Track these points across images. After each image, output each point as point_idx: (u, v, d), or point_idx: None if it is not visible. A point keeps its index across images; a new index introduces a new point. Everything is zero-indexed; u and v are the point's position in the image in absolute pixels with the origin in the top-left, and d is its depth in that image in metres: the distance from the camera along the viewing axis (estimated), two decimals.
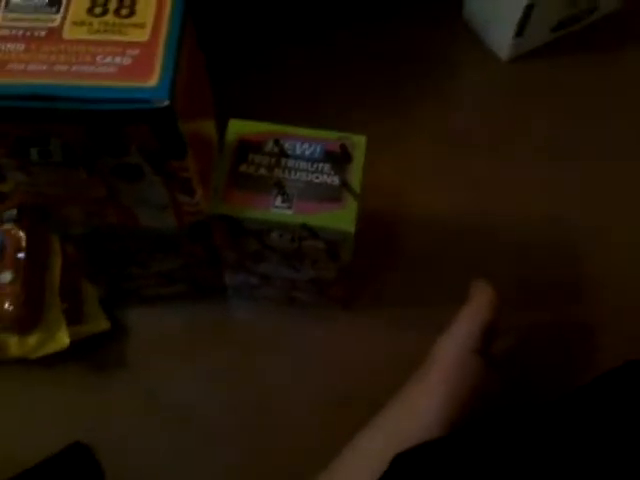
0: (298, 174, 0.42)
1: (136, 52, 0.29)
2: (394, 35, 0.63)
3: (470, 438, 0.37)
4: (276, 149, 0.43)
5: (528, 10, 0.58)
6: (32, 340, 0.44)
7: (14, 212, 0.45)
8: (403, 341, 0.49)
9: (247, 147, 0.43)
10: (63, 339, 0.44)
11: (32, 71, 0.28)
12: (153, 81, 0.29)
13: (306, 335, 0.51)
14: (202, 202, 0.38)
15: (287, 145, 0.43)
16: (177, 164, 0.33)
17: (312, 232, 0.42)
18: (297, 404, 0.48)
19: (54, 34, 0.29)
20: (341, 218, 0.41)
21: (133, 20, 0.29)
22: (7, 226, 0.45)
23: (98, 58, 0.29)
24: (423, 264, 0.53)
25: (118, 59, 0.29)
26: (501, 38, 0.62)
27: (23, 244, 0.44)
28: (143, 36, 0.29)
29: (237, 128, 0.44)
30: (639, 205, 0.56)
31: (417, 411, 0.40)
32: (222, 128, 0.43)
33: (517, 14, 0.59)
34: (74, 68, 0.28)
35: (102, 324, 0.47)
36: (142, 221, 0.38)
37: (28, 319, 0.44)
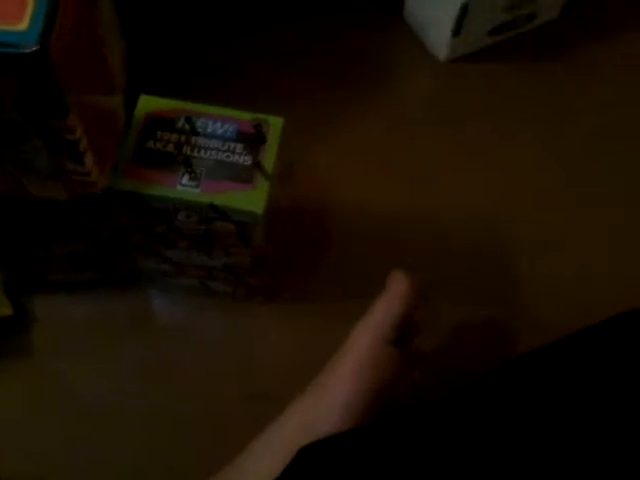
0: (208, 153, 0.41)
1: None
2: (334, 33, 0.63)
3: (378, 432, 0.35)
4: (187, 127, 0.42)
5: (463, 10, 0.58)
6: None
7: None
8: (326, 336, 0.46)
9: (157, 124, 0.41)
10: None
11: None
12: (23, 25, 0.27)
13: (223, 328, 0.49)
14: (95, 173, 0.36)
15: (199, 123, 0.42)
16: (60, 124, 0.31)
17: (220, 213, 0.40)
18: (211, 398, 0.46)
19: None
20: (251, 199, 0.40)
21: None
22: None
23: None
24: (351, 257, 0.52)
25: None
26: (439, 38, 0.62)
27: None
28: None
29: (148, 104, 0.42)
30: (565, 204, 0.55)
31: (327, 403, 0.39)
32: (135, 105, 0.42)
33: (453, 14, 0.58)
34: None
35: (4, 310, 0.45)
36: (32, 190, 0.36)
37: None
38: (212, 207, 0.40)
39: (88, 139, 0.34)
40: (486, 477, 0.32)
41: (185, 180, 0.40)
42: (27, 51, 0.27)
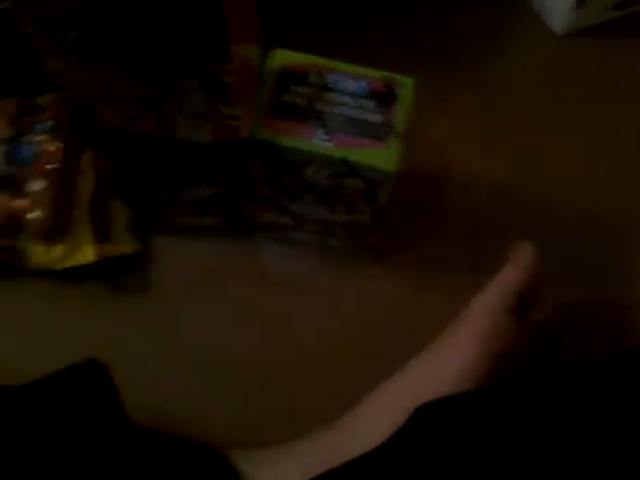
0: (341, 108, 0.41)
1: None
2: (450, 4, 0.62)
3: (492, 396, 0.36)
4: (320, 81, 0.42)
5: None
6: (57, 251, 0.43)
7: (51, 124, 0.45)
8: (433, 300, 0.48)
9: (290, 77, 0.42)
10: (88, 253, 0.44)
11: None
12: None
13: (335, 283, 0.50)
14: (242, 119, 0.37)
15: (331, 79, 0.42)
16: (219, 66, 0.32)
17: (351, 169, 0.41)
18: (322, 350, 0.47)
19: None
20: (383, 157, 0.40)
21: None
22: (42, 137, 0.44)
23: None
24: (464, 227, 0.52)
25: None
26: (558, 11, 0.61)
27: (57, 155, 0.44)
28: None
29: (282, 58, 0.43)
30: None
31: (445, 366, 0.39)
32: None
33: None
34: None
35: (129, 246, 0.47)
36: (179, 131, 0.37)
37: (55, 229, 0.43)
38: (344, 162, 0.40)
39: (240, 85, 0.35)
40: (592, 447, 0.32)
41: (319, 134, 0.40)
42: None
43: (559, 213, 0.53)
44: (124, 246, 0.46)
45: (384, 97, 0.42)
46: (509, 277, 0.41)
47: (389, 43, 0.58)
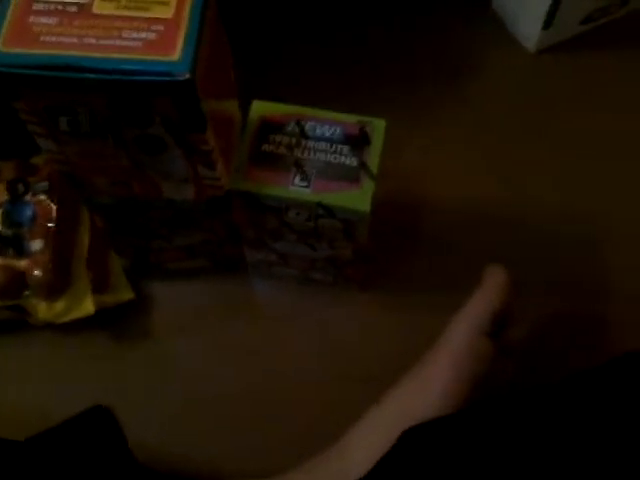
0: (317, 154, 0.44)
1: (160, 28, 0.30)
2: (421, 26, 0.64)
3: (474, 418, 0.38)
4: (297, 130, 0.44)
5: (556, 2, 0.58)
6: (59, 306, 0.46)
7: (45, 184, 0.47)
8: (417, 324, 0.50)
9: (269, 127, 0.44)
10: (88, 306, 0.46)
11: (64, 43, 0.30)
12: (175, 55, 0.30)
13: (323, 313, 0.52)
14: (223, 177, 0.39)
15: (308, 126, 0.44)
16: (197, 137, 0.34)
17: (328, 211, 0.43)
18: (311, 378, 0.50)
19: (84, 9, 0.31)
20: (357, 198, 0.43)
21: None
22: (39, 197, 0.47)
23: (124, 33, 0.30)
24: (442, 249, 0.54)
25: (143, 34, 0.30)
26: (529, 30, 0.62)
27: (53, 214, 0.47)
28: (167, 13, 0.31)
29: (260, 109, 0.45)
30: None
31: (426, 391, 0.41)
32: (246, 109, 0.45)
33: (545, 6, 0.59)
34: (102, 41, 0.30)
35: (126, 294, 0.49)
36: (165, 193, 0.39)
37: (56, 286, 0.46)
38: (321, 206, 0.43)
39: (218, 147, 0.37)
40: (574, 467, 0.34)
41: (297, 180, 0.43)
42: (181, 79, 0.30)
43: (536, 230, 0.55)
44: (121, 294, 0.49)
45: (358, 140, 0.44)
46: (481, 301, 0.43)
47: (352, 81, 0.60)
